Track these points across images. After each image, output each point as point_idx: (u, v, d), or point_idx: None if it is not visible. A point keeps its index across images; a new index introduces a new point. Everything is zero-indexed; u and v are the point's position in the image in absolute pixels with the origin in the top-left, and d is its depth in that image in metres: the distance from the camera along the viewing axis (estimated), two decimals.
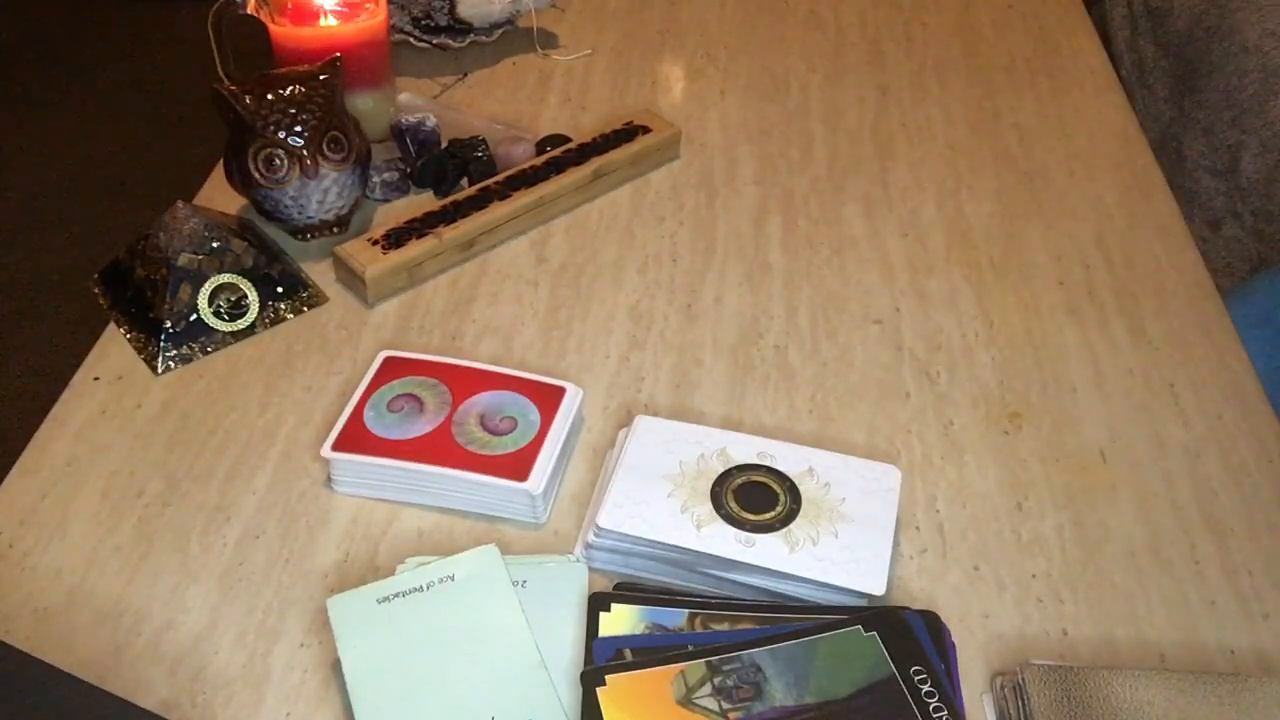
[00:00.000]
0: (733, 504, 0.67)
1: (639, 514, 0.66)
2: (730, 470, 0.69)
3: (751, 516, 0.66)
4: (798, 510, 0.66)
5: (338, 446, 0.70)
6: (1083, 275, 0.90)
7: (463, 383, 0.74)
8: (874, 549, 0.64)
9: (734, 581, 0.65)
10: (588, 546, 0.66)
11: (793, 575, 0.63)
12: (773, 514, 0.66)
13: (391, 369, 0.75)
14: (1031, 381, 0.80)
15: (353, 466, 0.70)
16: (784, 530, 0.65)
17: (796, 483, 0.68)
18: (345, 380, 0.79)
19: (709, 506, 0.66)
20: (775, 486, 0.68)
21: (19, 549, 0.67)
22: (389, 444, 0.70)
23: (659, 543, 0.64)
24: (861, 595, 0.63)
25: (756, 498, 0.67)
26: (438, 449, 0.70)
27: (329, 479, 0.71)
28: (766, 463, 0.70)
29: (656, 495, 0.67)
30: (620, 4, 1.25)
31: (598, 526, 0.65)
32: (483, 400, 0.73)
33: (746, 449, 0.70)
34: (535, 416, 0.72)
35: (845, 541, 0.64)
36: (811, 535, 0.65)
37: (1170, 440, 0.76)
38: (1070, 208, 0.97)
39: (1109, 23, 1.44)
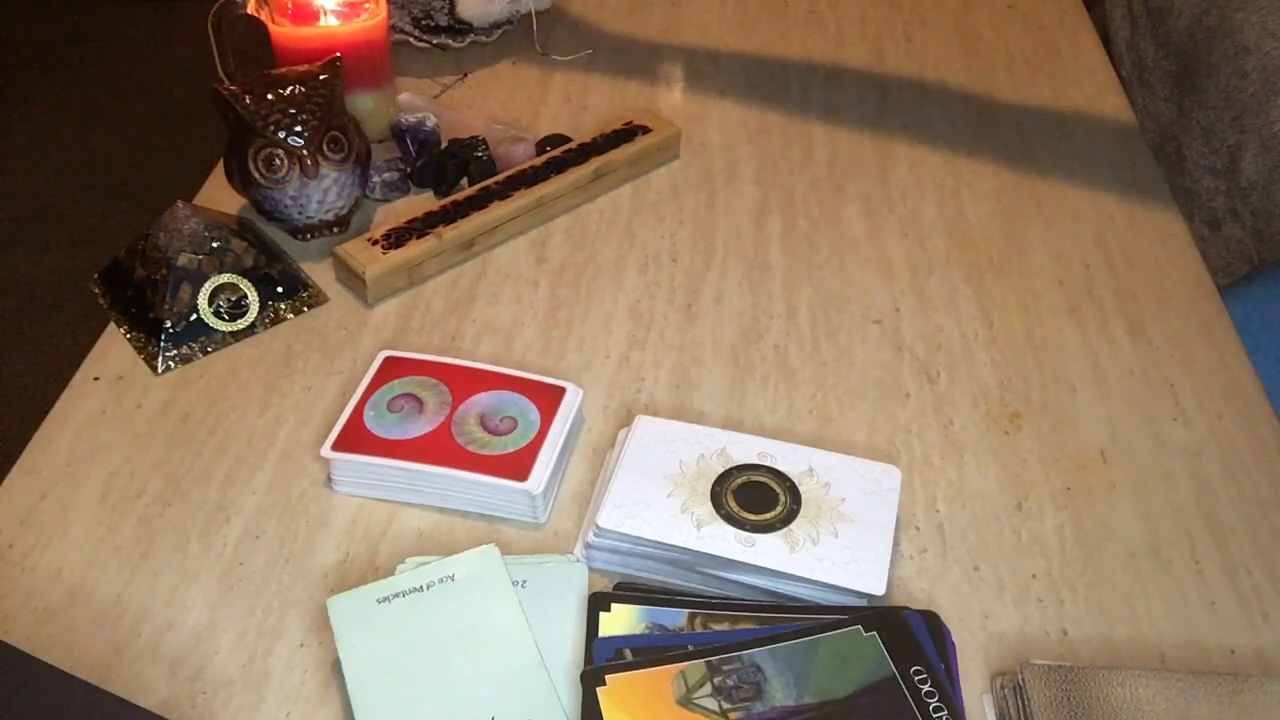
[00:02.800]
0: (733, 504, 0.67)
1: (639, 514, 0.66)
2: (730, 470, 0.69)
3: (751, 516, 0.66)
4: (798, 510, 0.66)
5: (338, 446, 0.70)
6: (1083, 275, 0.90)
7: (463, 383, 0.74)
8: (874, 549, 0.64)
9: (734, 581, 0.65)
10: (588, 546, 0.66)
11: (793, 575, 0.63)
12: (773, 514, 0.66)
13: (391, 369, 0.75)
14: (1031, 381, 0.80)
15: (353, 466, 0.70)
16: (784, 530, 0.65)
17: (796, 483, 0.68)
18: (345, 380, 0.79)
19: (709, 506, 0.66)
20: (775, 486, 0.68)
21: (19, 549, 0.67)
22: (389, 444, 0.70)
23: (659, 543, 0.64)
24: (861, 595, 0.63)
25: (756, 498, 0.67)
26: (438, 449, 0.70)
27: (329, 479, 0.71)
28: (766, 463, 0.69)
29: (656, 495, 0.67)
30: (620, 4, 1.25)
31: (598, 526, 0.65)
32: (483, 400, 0.73)
33: (746, 449, 0.70)
34: (535, 416, 0.72)
35: (845, 541, 0.64)
36: (811, 535, 0.65)
37: (1170, 440, 0.76)
38: (1070, 208, 0.97)
39: (1109, 23, 1.44)
